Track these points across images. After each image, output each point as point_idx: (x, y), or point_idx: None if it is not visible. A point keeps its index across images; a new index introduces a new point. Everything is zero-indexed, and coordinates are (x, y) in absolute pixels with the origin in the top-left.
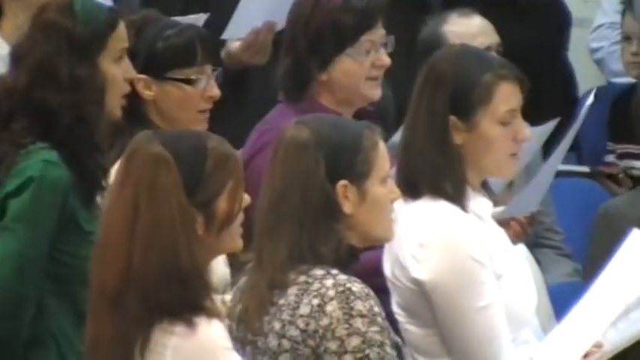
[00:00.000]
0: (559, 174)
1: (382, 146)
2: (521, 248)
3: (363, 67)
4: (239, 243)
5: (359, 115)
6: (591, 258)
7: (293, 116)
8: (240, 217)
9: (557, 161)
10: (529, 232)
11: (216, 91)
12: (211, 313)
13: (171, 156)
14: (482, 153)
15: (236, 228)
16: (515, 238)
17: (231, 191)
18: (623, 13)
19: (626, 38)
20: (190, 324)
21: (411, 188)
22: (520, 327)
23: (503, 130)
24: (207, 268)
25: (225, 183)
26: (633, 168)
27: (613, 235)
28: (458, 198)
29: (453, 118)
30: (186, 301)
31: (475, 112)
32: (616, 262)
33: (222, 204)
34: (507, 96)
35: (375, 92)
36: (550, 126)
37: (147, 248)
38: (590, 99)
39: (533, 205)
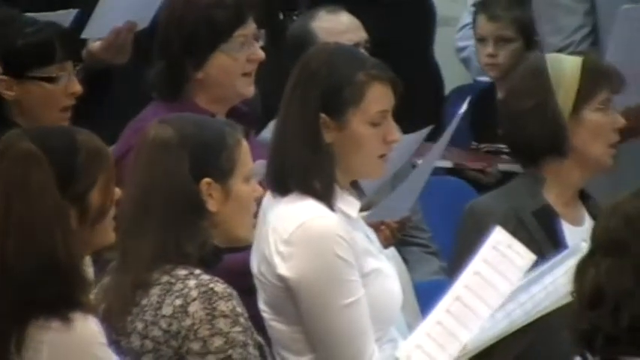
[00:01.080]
0: None
1: (245, 144)
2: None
3: (238, 63)
4: (112, 236)
5: (232, 114)
6: (458, 256)
7: (167, 114)
8: (113, 211)
9: (429, 166)
10: (399, 237)
11: (78, 88)
12: (87, 309)
13: (42, 152)
14: (351, 152)
15: (109, 222)
16: (385, 242)
17: (103, 184)
18: (475, 15)
19: (481, 40)
20: (66, 319)
21: (280, 185)
22: (386, 325)
23: (374, 131)
24: (83, 262)
25: (97, 176)
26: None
27: (479, 232)
28: (326, 196)
29: (324, 117)
30: (62, 297)
31: (346, 112)
32: (478, 259)
33: (94, 197)
34: (379, 97)
35: (250, 89)
36: (423, 133)
37: (21, 245)
38: (464, 107)
39: (403, 209)
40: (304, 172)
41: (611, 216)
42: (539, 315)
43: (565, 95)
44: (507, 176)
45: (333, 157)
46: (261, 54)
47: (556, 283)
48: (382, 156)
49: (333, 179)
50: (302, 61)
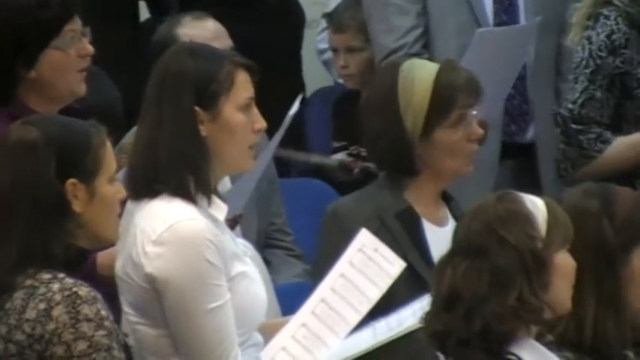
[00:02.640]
0: (289, 173)
1: (109, 145)
2: (251, 249)
3: (70, 58)
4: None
5: (66, 113)
6: (320, 258)
7: (3, 120)
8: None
9: (261, 166)
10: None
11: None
12: None
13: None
14: (225, 143)
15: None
16: None
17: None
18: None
19: (333, 50)
20: None
21: (148, 188)
22: (251, 329)
23: (244, 118)
24: None
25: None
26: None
27: (342, 234)
28: (199, 196)
29: (198, 110)
30: None
31: (218, 101)
32: (344, 261)
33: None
34: (245, 83)
35: (82, 87)
36: (280, 134)
37: None
38: (295, 108)
39: (237, 208)
40: (181, 170)
41: (472, 219)
42: (403, 333)
43: (414, 118)
44: (371, 175)
45: (208, 151)
46: (90, 48)
47: (423, 303)
48: (251, 147)
49: (208, 177)
50: (163, 61)
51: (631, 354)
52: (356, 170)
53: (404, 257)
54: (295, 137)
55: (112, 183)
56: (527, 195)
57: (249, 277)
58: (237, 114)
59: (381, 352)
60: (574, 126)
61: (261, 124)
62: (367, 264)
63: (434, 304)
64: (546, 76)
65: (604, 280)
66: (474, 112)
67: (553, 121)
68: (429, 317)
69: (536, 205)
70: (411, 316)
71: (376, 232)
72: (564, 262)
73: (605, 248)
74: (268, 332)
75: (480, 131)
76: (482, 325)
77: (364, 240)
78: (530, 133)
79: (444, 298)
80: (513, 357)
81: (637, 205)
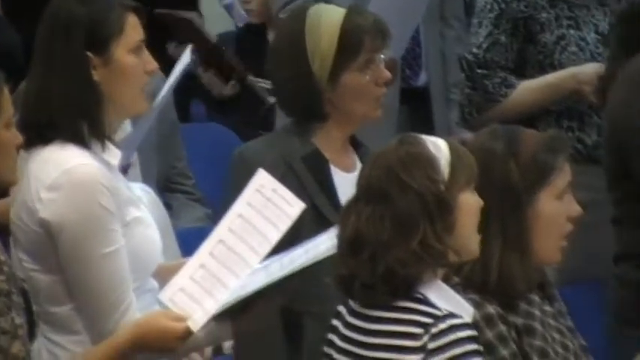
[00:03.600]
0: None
1: (6, 91)
2: (150, 193)
3: None
4: None
5: None
6: (226, 202)
7: None
8: None
9: (157, 110)
10: None
11: None
12: None
13: None
14: (118, 86)
15: None
16: None
17: None
18: None
19: None
20: None
21: (41, 133)
22: (146, 275)
23: (136, 60)
24: None
25: None
26: None
27: (249, 178)
28: (92, 142)
29: (90, 55)
30: None
31: (110, 45)
32: (241, 201)
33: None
34: (136, 26)
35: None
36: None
37: None
38: (186, 57)
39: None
40: (74, 116)
41: (374, 164)
42: (295, 269)
43: (322, 62)
44: None
45: (101, 96)
46: None
47: (316, 241)
48: (143, 89)
49: (102, 122)
50: (53, 6)
51: (536, 297)
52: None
53: (310, 201)
54: None
55: (8, 128)
56: (429, 137)
57: (144, 222)
58: (129, 57)
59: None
60: (479, 71)
61: (153, 65)
62: (266, 205)
63: (339, 248)
64: (434, 21)
65: (509, 222)
66: (382, 56)
67: (443, 66)
68: (335, 261)
69: (438, 146)
70: (302, 252)
71: (283, 176)
72: (468, 202)
73: (511, 190)
74: (165, 273)
75: (388, 74)
76: (386, 270)
77: (262, 181)
78: (423, 77)
79: (349, 242)
80: (420, 296)
81: (542, 146)
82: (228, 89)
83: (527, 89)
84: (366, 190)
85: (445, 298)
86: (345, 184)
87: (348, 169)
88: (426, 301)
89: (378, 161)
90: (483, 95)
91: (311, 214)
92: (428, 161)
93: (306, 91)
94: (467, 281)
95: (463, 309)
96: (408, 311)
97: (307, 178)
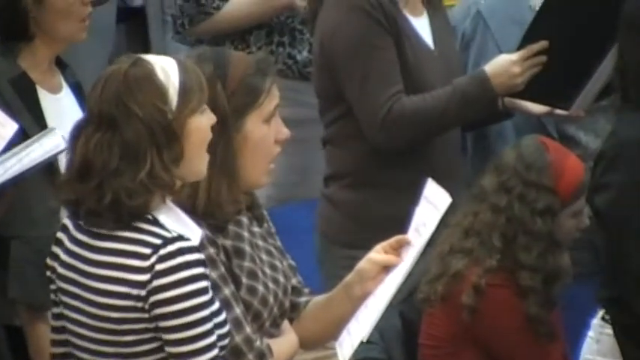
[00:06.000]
0: None
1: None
2: None
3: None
4: None
5: None
6: None
7: None
8: None
9: None
10: None
11: None
12: None
13: None
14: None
15: None
16: None
17: None
18: None
19: None
20: None
21: None
22: None
23: None
24: None
25: None
26: None
27: None
28: None
29: None
30: None
31: None
32: None
33: None
34: None
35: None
36: None
37: None
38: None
39: None
40: None
41: (104, 86)
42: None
43: None
44: None
45: None
46: None
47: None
48: None
49: None
50: None
51: (245, 218)
52: None
53: (17, 122)
54: None
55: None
56: (160, 59)
57: None
58: None
59: None
60: None
61: None
62: None
63: (68, 172)
64: None
65: (217, 146)
66: None
67: None
68: (62, 185)
69: (167, 71)
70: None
71: None
72: (199, 125)
73: (219, 113)
74: None
75: None
76: (112, 199)
77: None
78: None
79: (77, 167)
80: (150, 217)
81: (250, 69)
82: None
83: (241, 2)
84: (95, 113)
85: (175, 220)
86: (52, 105)
87: (54, 90)
88: (155, 222)
89: (107, 84)
90: (196, 7)
91: (20, 136)
92: (156, 89)
93: (10, 10)
94: (176, 204)
95: (192, 231)
96: (137, 231)
97: (14, 100)
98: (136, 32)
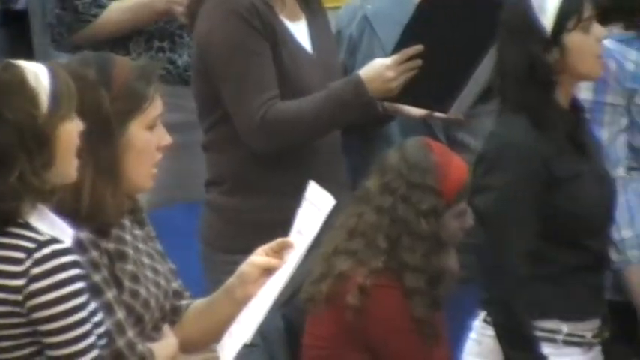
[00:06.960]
0: None
1: None
2: None
3: None
4: None
5: None
6: None
7: None
8: None
9: None
10: None
11: None
12: None
13: None
14: None
15: None
16: None
17: None
18: None
19: None
20: None
21: None
22: None
23: None
24: None
25: None
26: None
27: None
28: None
29: None
30: None
31: None
32: None
33: None
34: None
35: None
36: None
37: None
38: None
39: None
40: None
41: None
42: None
43: None
44: None
45: None
46: None
47: None
48: None
49: None
50: None
51: (127, 221)
52: None
53: None
54: None
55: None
56: (31, 64)
57: None
58: None
59: None
60: None
61: None
62: None
63: None
64: None
65: (101, 150)
66: None
67: None
68: None
69: (38, 76)
70: None
71: None
72: (69, 131)
73: (102, 117)
74: None
75: None
76: None
77: None
78: (23, 0)
79: None
80: (22, 221)
81: (135, 75)
82: None
83: (119, 9)
84: None
85: (47, 223)
86: None
87: None
88: (28, 226)
89: None
90: (73, 15)
91: None
92: (27, 93)
93: None
94: (59, 207)
95: (64, 233)
96: (10, 235)
97: None
98: (20, 36)
